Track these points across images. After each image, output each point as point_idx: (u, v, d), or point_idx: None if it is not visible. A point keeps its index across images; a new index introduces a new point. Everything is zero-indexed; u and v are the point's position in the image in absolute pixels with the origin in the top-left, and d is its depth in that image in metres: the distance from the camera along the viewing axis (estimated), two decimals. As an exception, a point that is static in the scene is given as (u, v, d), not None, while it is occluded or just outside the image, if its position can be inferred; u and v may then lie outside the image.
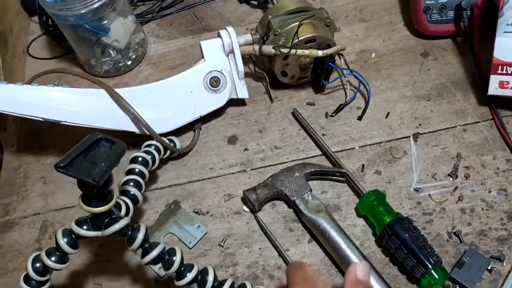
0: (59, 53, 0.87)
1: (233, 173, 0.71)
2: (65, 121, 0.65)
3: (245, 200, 0.67)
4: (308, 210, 0.63)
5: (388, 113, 0.73)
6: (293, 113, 0.75)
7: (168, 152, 0.69)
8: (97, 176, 0.43)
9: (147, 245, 0.50)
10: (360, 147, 0.71)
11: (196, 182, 0.70)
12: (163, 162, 0.72)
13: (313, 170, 0.67)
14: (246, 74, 0.77)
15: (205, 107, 0.72)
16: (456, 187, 0.65)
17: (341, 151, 0.71)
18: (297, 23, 0.68)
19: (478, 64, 0.73)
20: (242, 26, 0.87)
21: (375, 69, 0.78)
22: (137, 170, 0.61)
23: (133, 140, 0.73)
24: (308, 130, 0.72)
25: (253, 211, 0.66)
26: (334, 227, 0.61)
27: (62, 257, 0.50)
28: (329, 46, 0.71)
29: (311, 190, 0.65)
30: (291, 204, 0.65)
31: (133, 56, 0.83)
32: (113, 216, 0.49)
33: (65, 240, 0.49)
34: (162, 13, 0.90)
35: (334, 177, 0.68)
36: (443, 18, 0.76)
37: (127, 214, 0.54)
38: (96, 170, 0.44)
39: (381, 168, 0.68)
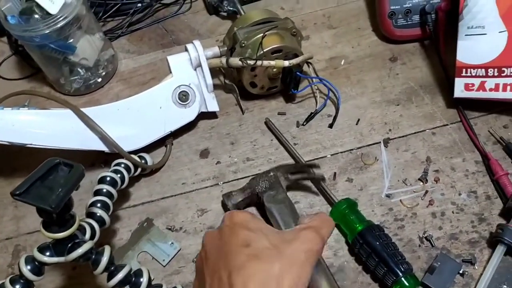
0: (29, 73, 0.87)
1: (206, 187, 0.70)
2: (31, 144, 0.64)
3: (224, 205, 0.66)
4: (271, 201, 0.62)
5: (358, 120, 0.73)
6: (266, 123, 0.75)
7: (140, 169, 0.69)
8: (54, 203, 0.43)
9: (112, 268, 0.50)
10: (331, 155, 0.71)
11: (169, 198, 0.70)
12: (136, 179, 0.71)
13: (287, 167, 0.66)
14: (216, 86, 0.77)
15: (175, 122, 0.72)
16: (427, 191, 0.65)
17: (313, 159, 0.71)
18: (261, 34, 0.69)
19: (445, 67, 0.73)
20: (212, 38, 0.87)
21: (345, 76, 0.78)
22: (104, 190, 0.60)
23: (105, 158, 0.72)
24: (281, 140, 0.72)
25: None
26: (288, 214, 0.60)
27: (27, 285, 0.49)
28: (296, 56, 0.71)
29: (282, 188, 0.63)
30: (262, 202, 0.63)
31: (103, 73, 0.83)
32: (76, 241, 0.49)
33: (28, 267, 0.49)
34: (132, 28, 0.90)
35: (310, 176, 0.66)
36: (409, 22, 0.77)
37: (92, 237, 0.53)
38: (53, 196, 0.43)
39: (352, 176, 0.68)
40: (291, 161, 0.71)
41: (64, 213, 0.46)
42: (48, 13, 0.70)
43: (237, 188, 0.67)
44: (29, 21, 0.71)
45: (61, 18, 0.69)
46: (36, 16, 0.70)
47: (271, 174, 0.65)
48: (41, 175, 0.45)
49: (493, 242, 0.59)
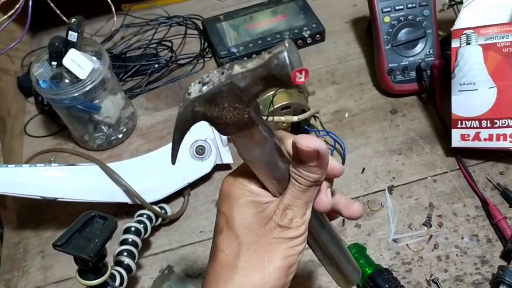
0: (54, 130, 0.93)
1: (222, 235, 0.74)
2: (62, 198, 0.69)
3: None
4: None
5: (364, 169, 0.78)
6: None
7: (160, 219, 0.73)
8: (92, 252, 0.48)
9: (141, 313, 0.54)
10: (339, 202, 0.75)
11: (188, 246, 0.74)
12: (156, 228, 0.76)
13: None
14: (230, 139, 0.83)
15: (192, 174, 0.77)
16: (431, 236, 0.69)
17: (322, 207, 0.75)
18: (272, 92, 0.75)
19: (442, 118, 0.79)
20: (225, 95, 0.94)
21: (349, 128, 0.84)
22: (130, 240, 0.65)
23: (127, 209, 0.77)
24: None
25: None
26: None
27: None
28: (304, 111, 0.77)
29: None
30: None
31: (124, 129, 0.89)
32: (108, 288, 0.53)
33: (64, 313, 0.52)
34: (150, 86, 0.97)
35: None
36: (406, 78, 0.83)
37: (121, 284, 0.57)
38: (91, 246, 0.48)
39: (360, 222, 0.73)
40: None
41: (99, 262, 0.51)
42: (76, 77, 0.76)
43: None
44: (59, 85, 0.77)
45: (89, 82, 0.75)
46: (66, 80, 0.77)
47: None
48: (79, 227, 0.50)
49: (495, 283, 0.62)
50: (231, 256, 0.40)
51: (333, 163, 0.41)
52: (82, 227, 0.50)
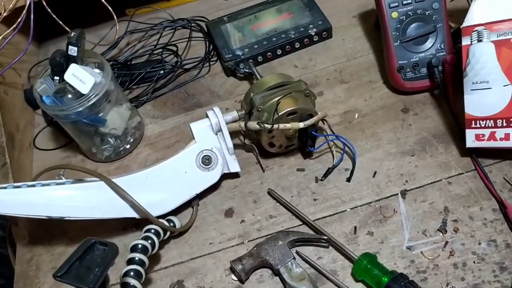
0: (63, 142, 0.93)
1: (232, 246, 0.73)
2: (68, 217, 0.69)
3: (233, 270, 0.69)
4: (291, 278, 0.65)
5: (375, 172, 0.76)
6: (269, 193, 0.77)
7: (169, 232, 0.72)
8: (92, 282, 0.47)
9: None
10: (351, 209, 0.73)
11: (198, 259, 0.73)
12: (165, 241, 0.75)
13: (296, 238, 0.69)
14: (237, 146, 0.81)
15: (200, 185, 0.76)
16: (447, 242, 0.67)
17: (333, 214, 0.73)
18: (277, 99, 0.73)
19: (455, 116, 0.75)
20: (231, 99, 0.92)
21: (359, 129, 0.81)
22: (136, 259, 0.64)
23: (136, 221, 0.76)
24: (285, 205, 0.75)
25: (241, 281, 0.69)
26: None
27: None
28: (311, 116, 0.75)
29: (294, 258, 0.67)
30: (276, 272, 0.68)
31: (131, 140, 0.88)
32: (113, 313, 0.52)
33: None
34: (156, 94, 0.96)
35: (318, 244, 0.71)
36: (417, 75, 0.80)
37: (127, 307, 0.57)
38: (91, 276, 0.48)
39: (373, 229, 0.70)
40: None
41: (101, 289, 0.50)
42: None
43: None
44: (63, 100, 0.77)
45: (92, 96, 0.74)
46: (70, 95, 0.76)
47: (280, 243, 0.68)
48: (79, 255, 0.49)
49: (515, 292, 0.60)
50: None
51: None
52: (82, 255, 0.50)
